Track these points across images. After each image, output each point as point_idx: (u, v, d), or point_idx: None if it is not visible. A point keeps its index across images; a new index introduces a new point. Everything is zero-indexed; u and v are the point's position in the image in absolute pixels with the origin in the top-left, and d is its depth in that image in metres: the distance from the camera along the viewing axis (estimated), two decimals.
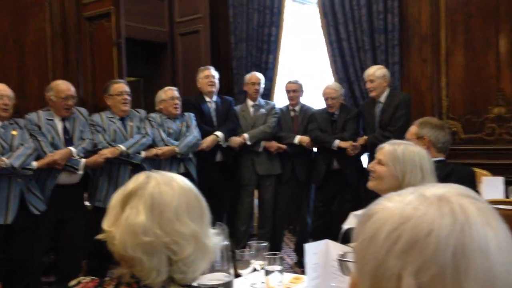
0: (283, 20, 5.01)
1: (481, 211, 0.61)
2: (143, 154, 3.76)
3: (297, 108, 4.49)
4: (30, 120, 3.45)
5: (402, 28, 4.24)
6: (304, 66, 5.64)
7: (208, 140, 4.10)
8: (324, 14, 4.61)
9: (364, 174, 4.29)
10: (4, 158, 3.11)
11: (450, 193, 0.63)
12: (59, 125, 3.54)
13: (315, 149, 4.47)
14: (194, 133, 3.99)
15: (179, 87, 4.95)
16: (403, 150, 1.99)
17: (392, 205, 0.64)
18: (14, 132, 3.29)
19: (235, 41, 5.30)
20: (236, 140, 4.28)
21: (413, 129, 2.78)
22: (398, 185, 1.96)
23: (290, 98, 4.46)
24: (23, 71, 4.36)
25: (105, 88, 3.85)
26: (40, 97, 4.43)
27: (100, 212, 3.59)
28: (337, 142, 4.11)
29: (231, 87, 5.35)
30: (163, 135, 3.91)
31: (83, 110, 3.76)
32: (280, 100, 4.98)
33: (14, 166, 3.13)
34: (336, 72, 4.58)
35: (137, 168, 3.70)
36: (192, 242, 1.11)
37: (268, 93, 5.03)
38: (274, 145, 4.38)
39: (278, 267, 1.84)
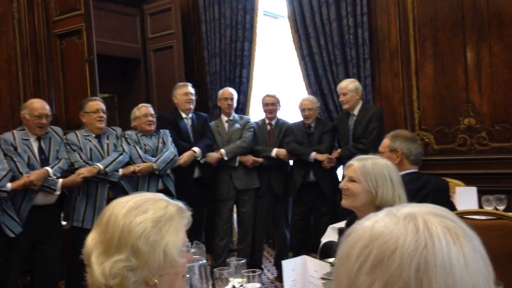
0: (256, 34, 5.05)
1: (447, 229, 0.63)
2: (121, 171, 3.71)
3: (273, 121, 4.52)
4: (5, 140, 3.37)
5: (372, 42, 4.33)
6: (278, 80, 5.70)
7: (186, 156, 4.08)
8: (295, 29, 4.67)
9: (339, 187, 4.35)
10: None
11: (418, 212, 0.66)
12: (34, 145, 3.48)
13: (291, 162, 4.51)
14: (170, 149, 3.98)
15: (153, 102, 4.94)
16: (372, 164, 2.02)
17: (366, 224, 0.67)
18: None
19: (209, 56, 5.31)
20: (213, 156, 4.28)
21: (385, 142, 2.83)
22: (372, 200, 1.99)
23: (268, 111, 4.49)
24: None
25: (81, 105, 3.81)
26: (12, 116, 4.36)
27: (77, 231, 3.54)
28: (313, 154, 4.15)
29: (206, 102, 5.35)
30: (140, 152, 3.88)
31: (58, 130, 3.71)
32: (255, 114, 5.01)
33: None
34: (309, 85, 4.63)
35: (114, 186, 3.68)
36: None
37: (243, 108, 5.05)
38: (249, 159, 4.39)
39: (258, 285, 1.84)
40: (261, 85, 5.28)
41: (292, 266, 1.71)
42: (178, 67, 5.33)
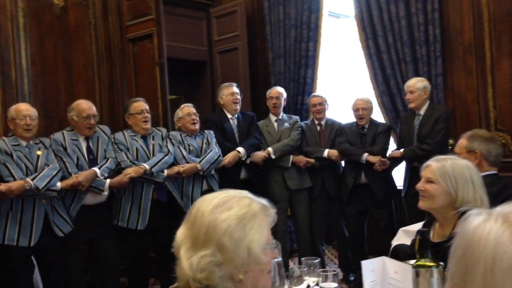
0: (321, 34, 5.03)
1: None
2: (166, 172, 3.75)
3: (323, 122, 4.49)
4: (55, 141, 3.46)
5: (444, 39, 4.18)
6: (342, 80, 5.63)
7: (230, 156, 4.08)
8: (362, 27, 4.60)
9: (394, 191, 4.23)
10: (28, 179, 3.13)
11: None
12: (83, 145, 3.55)
13: (343, 163, 4.45)
14: (215, 149, 3.99)
15: (219, 104, 5.03)
16: (452, 165, 1.96)
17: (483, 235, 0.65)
18: (39, 152, 3.31)
19: (273, 57, 5.35)
20: (259, 155, 4.27)
21: (462, 142, 2.73)
22: (451, 201, 1.93)
23: (316, 112, 4.47)
24: (72, 93, 4.52)
25: (125, 107, 3.89)
26: None
27: (122, 231, 3.63)
28: (365, 156, 4.07)
29: None
30: (184, 152, 3.91)
31: (106, 128, 3.78)
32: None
33: (38, 188, 3.14)
34: (377, 85, 4.55)
35: (159, 186, 3.74)
36: None
37: (306, 108, 5.03)
38: (302, 159, 4.37)
39: (334, 284, 1.83)
40: (325, 85, 5.24)
41: (372, 267, 1.69)
42: (243, 68, 5.40)
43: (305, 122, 4.61)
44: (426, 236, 1.69)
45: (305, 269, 1.94)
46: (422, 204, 2.06)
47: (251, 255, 1.16)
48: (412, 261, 1.69)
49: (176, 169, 3.78)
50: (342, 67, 5.73)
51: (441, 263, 1.55)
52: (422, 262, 1.59)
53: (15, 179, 3.11)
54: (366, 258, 4.19)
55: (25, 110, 3.31)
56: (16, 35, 4.17)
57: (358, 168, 4.17)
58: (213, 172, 3.97)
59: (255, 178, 4.31)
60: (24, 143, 3.28)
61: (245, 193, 1.27)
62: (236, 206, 1.18)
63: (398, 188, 4.28)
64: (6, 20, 4.13)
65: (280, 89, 4.59)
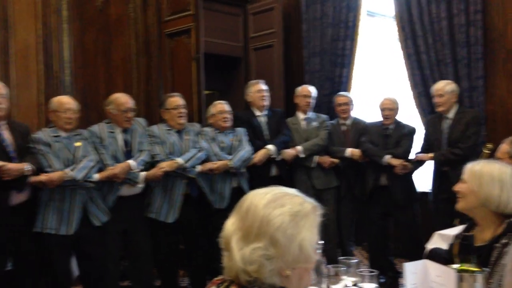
0: (358, 34, 4.99)
1: None
2: (198, 168, 3.78)
3: (348, 121, 4.44)
4: (93, 132, 3.52)
5: (485, 41, 4.09)
6: (378, 80, 5.57)
7: (260, 154, 4.07)
8: (401, 27, 4.54)
9: (415, 194, 4.16)
10: (67, 171, 3.19)
11: None
12: (120, 137, 3.59)
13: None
14: (246, 147, 4.00)
15: None
16: (483, 165, 1.95)
17: None
18: (77, 144, 3.36)
19: (308, 55, 5.33)
20: (289, 153, 4.25)
21: (504, 148, 2.68)
22: (480, 202, 1.91)
23: (341, 111, 4.42)
24: (110, 86, 4.62)
25: (161, 102, 3.94)
26: None
27: (155, 222, 3.66)
28: (387, 158, 4.01)
29: None
30: (217, 149, 3.93)
31: (142, 121, 3.82)
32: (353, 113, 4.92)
33: (77, 179, 3.20)
34: (415, 86, 4.49)
35: (191, 182, 3.76)
36: None
37: None
38: (327, 160, 4.34)
39: (374, 285, 1.83)
40: (360, 85, 5.20)
41: (414, 269, 1.68)
42: (278, 66, 5.40)
43: (331, 121, 4.57)
44: (471, 241, 1.67)
45: (343, 268, 1.94)
46: (457, 205, 2.07)
47: (302, 252, 1.17)
48: (456, 266, 1.67)
49: (208, 165, 3.81)
50: (378, 67, 5.66)
51: (485, 268, 1.53)
52: (466, 266, 1.57)
53: (54, 170, 3.18)
54: (388, 260, 4.18)
55: (67, 103, 3.36)
56: (59, 28, 4.29)
57: (379, 169, 4.11)
58: (243, 170, 3.98)
59: (286, 175, 4.30)
60: (64, 134, 3.34)
61: (295, 191, 1.28)
62: (289, 203, 1.19)
63: (421, 191, 4.22)
64: (51, 12, 4.25)
65: (311, 88, 4.57)
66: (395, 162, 3.97)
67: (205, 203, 3.85)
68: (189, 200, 3.76)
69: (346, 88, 5.04)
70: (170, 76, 4.92)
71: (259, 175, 4.11)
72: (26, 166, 3.03)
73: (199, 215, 3.81)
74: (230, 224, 1.22)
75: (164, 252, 3.76)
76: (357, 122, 4.44)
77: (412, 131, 4.15)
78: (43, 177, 3.11)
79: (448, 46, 4.23)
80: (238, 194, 3.90)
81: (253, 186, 4.07)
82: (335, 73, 5.10)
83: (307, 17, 5.32)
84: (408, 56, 4.51)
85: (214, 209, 3.82)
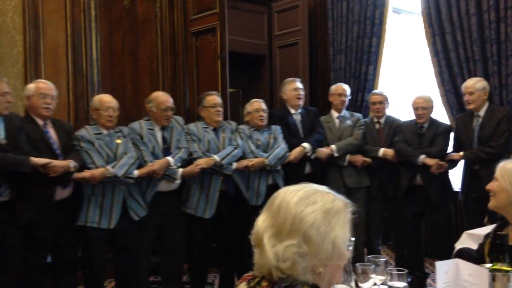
0: (385, 30, 4.93)
1: None
2: (235, 165, 3.82)
3: (382, 120, 4.38)
4: (133, 130, 3.62)
5: None
6: (405, 77, 5.51)
7: (296, 152, 4.07)
8: (429, 24, 4.47)
9: (451, 194, 4.09)
10: (109, 167, 3.30)
11: None
12: (158, 134, 3.68)
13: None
14: (282, 145, 4.01)
15: (276, 98, 5.07)
16: None
17: None
18: (118, 141, 3.47)
19: (334, 52, 5.30)
20: (324, 152, 4.23)
21: None
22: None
23: (375, 110, 4.37)
24: (137, 84, 4.69)
25: (199, 100, 3.99)
26: None
27: (190, 218, 3.73)
28: (422, 158, 3.92)
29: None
30: (252, 147, 3.96)
31: (180, 119, 3.89)
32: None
33: (118, 175, 3.31)
34: (442, 83, 4.41)
35: (227, 178, 3.80)
36: None
37: (367, 105, 4.96)
38: (359, 159, 4.29)
39: (403, 284, 1.81)
40: (387, 83, 5.14)
41: (445, 268, 1.66)
42: (303, 63, 5.39)
43: (364, 120, 4.53)
44: (505, 240, 1.64)
45: (371, 267, 1.93)
46: (489, 204, 2.07)
47: (335, 249, 1.17)
48: (488, 265, 1.64)
49: (244, 163, 3.85)
50: (405, 64, 5.60)
51: None
52: (498, 266, 1.54)
53: (96, 166, 3.29)
54: (422, 261, 4.13)
55: (108, 101, 3.47)
56: (88, 27, 4.37)
57: (414, 169, 4.03)
58: (279, 167, 4.00)
59: (319, 173, 4.30)
60: (105, 132, 3.45)
61: (325, 188, 1.28)
62: (320, 201, 1.19)
63: (456, 190, 4.14)
64: (79, 12, 4.33)
65: (346, 86, 4.53)
66: (430, 161, 3.89)
67: (241, 200, 3.89)
68: (226, 197, 3.81)
69: (373, 86, 5.00)
70: (196, 74, 4.96)
71: (294, 173, 4.12)
72: (71, 163, 3.15)
73: (235, 212, 3.85)
74: (261, 221, 1.22)
75: (198, 248, 3.81)
76: (391, 121, 4.37)
77: (447, 129, 4.06)
78: (86, 173, 3.23)
79: (478, 43, 4.15)
80: (273, 191, 3.91)
81: (288, 184, 4.03)
82: (361, 70, 5.06)
83: (333, 14, 5.29)
84: (435, 53, 4.44)
85: (250, 206, 3.85)
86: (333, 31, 5.30)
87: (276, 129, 4.12)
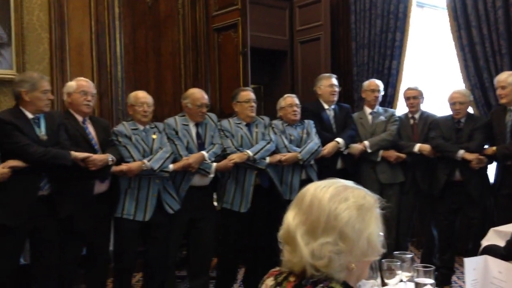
0: (409, 24, 4.87)
1: None
2: (268, 160, 3.84)
3: (416, 115, 4.31)
4: (168, 125, 3.70)
5: None
6: (429, 72, 5.42)
7: (329, 147, 4.07)
8: (454, 17, 4.40)
9: (489, 190, 4.01)
10: (145, 161, 3.39)
11: None
12: (193, 130, 3.75)
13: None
14: (315, 140, 4.01)
15: (298, 94, 5.03)
16: None
17: None
18: (154, 136, 3.56)
19: (356, 47, 5.26)
20: (357, 148, 4.21)
21: None
22: None
23: (409, 105, 4.30)
24: (160, 80, 4.73)
25: (234, 95, 4.01)
26: (173, 105, 4.78)
27: (226, 213, 3.78)
28: (461, 153, 3.85)
29: (351, 94, 5.31)
30: (286, 141, 3.97)
31: (213, 116, 3.94)
32: (404, 107, 4.82)
33: (154, 169, 3.39)
34: (467, 77, 4.34)
35: (261, 173, 3.83)
36: None
37: (390, 100, 4.92)
38: (393, 154, 4.23)
39: (430, 281, 1.79)
40: (410, 77, 5.07)
41: (474, 265, 1.64)
42: (325, 58, 5.36)
43: (399, 115, 4.44)
44: None
45: (398, 263, 1.91)
46: None
47: (370, 245, 1.17)
48: None
49: (277, 157, 3.87)
50: (429, 59, 5.51)
51: None
52: None
53: (134, 160, 3.39)
54: (453, 257, 4.07)
55: (142, 97, 3.57)
56: (111, 24, 4.42)
57: (452, 164, 3.96)
58: (312, 162, 4.01)
59: (351, 169, 4.27)
60: (141, 127, 3.55)
61: (353, 183, 1.27)
62: (352, 197, 1.18)
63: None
64: (103, 10, 4.38)
65: (378, 82, 4.47)
66: (470, 156, 3.82)
67: (276, 194, 3.92)
68: (260, 191, 3.84)
69: (396, 81, 4.94)
70: (217, 70, 4.97)
71: (327, 168, 4.11)
72: (109, 157, 3.26)
73: (269, 206, 3.88)
74: (292, 218, 1.21)
75: (231, 243, 3.84)
76: (425, 116, 4.30)
77: (485, 124, 3.95)
78: (123, 166, 3.34)
79: (504, 36, 4.06)
80: None
81: (321, 178, 4.03)
82: (384, 65, 5.01)
83: (355, 8, 5.24)
84: (461, 48, 4.37)
85: (284, 201, 3.85)
86: (355, 25, 5.25)
87: (309, 123, 4.12)
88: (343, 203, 1.17)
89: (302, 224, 1.18)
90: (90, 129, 3.38)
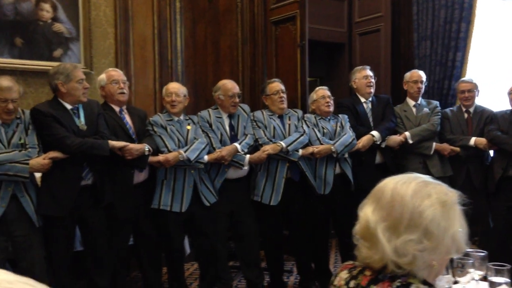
0: (475, 15, 4.65)
1: None
2: (300, 152, 3.79)
3: (471, 109, 4.15)
4: (202, 117, 3.70)
5: None
6: (496, 65, 5.17)
7: (364, 140, 3.97)
8: None
9: None
10: (182, 151, 3.38)
11: None
12: (226, 122, 3.73)
13: (491, 153, 4.08)
14: (349, 133, 3.92)
15: None
16: None
17: None
18: (188, 127, 3.57)
19: (418, 38, 5.08)
20: (395, 139, 4.08)
21: None
22: None
23: (464, 99, 4.14)
24: (218, 73, 4.78)
25: (262, 89, 4.02)
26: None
27: (257, 206, 3.73)
28: None
29: None
30: (319, 134, 3.91)
31: (246, 107, 3.92)
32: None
33: (190, 159, 3.38)
34: None
35: (293, 165, 3.78)
36: None
37: (454, 93, 4.73)
38: (447, 147, 4.09)
39: (506, 279, 1.72)
40: (475, 70, 4.86)
41: None
42: (385, 50, 5.23)
43: (451, 108, 4.32)
44: None
45: (470, 261, 1.85)
46: None
47: (454, 243, 1.14)
48: None
49: (310, 149, 3.81)
50: (495, 51, 5.26)
51: None
52: None
53: (169, 150, 3.40)
54: (510, 254, 3.89)
55: (171, 88, 3.59)
56: (173, 19, 4.51)
57: (509, 158, 3.81)
58: (346, 155, 3.93)
59: (391, 163, 4.15)
60: (176, 118, 3.57)
61: (431, 178, 1.23)
62: (434, 193, 1.15)
63: None
64: (165, 4, 4.49)
65: (421, 72, 4.34)
66: None
67: (308, 188, 3.86)
68: (292, 185, 3.79)
69: (460, 73, 4.74)
70: (275, 63, 4.96)
71: (364, 162, 4.04)
72: (146, 146, 3.27)
73: (301, 200, 3.84)
74: (370, 213, 1.18)
75: (268, 235, 3.85)
76: (481, 110, 4.14)
77: None
78: (160, 157, 3.35)
79: None
80: (342, 181, 3.91)
81: (357, 174, 4.03)
82: (448, 57, 4.81)
83: None
84: None
85: (318, 195, 3.82)
86: (417, 16, 5.08)
87: (344, 117, 4.06)
88: (427, 199, 1.14)
89: (382, 220, 1.15)
90: (128, 119, 3.41)
